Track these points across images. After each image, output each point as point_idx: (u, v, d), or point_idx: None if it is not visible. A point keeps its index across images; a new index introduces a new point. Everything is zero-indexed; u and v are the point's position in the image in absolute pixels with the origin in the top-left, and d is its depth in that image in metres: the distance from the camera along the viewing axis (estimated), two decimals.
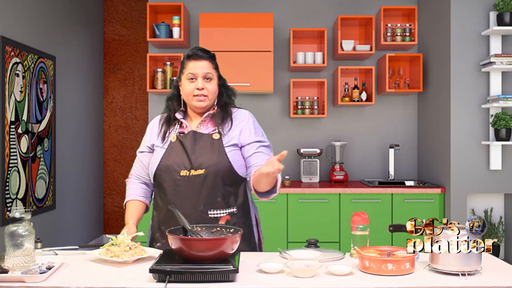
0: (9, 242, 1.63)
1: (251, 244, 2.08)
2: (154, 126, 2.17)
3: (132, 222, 2.04)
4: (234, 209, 2.04)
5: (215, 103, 2.10)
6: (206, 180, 1.98)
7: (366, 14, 4.73)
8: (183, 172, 1.99)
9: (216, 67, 2.09)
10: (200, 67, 2.03)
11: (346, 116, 4.78)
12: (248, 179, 2.06)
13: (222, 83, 2.13)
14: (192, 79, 2.03)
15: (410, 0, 4.73)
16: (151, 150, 2.13)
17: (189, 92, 2.04)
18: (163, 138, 2.09)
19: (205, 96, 2.03)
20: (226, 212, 2.02)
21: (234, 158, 2.02)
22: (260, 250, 2.14)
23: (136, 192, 2.16)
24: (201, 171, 1.98)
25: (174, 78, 4.51)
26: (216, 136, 2.03)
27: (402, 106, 4.77)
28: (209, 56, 2.07)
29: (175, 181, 1.99)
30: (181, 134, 2.06)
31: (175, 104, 2.13)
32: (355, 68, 4.56)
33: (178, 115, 2.10)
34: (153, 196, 2.18)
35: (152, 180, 2.11)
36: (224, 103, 2.11)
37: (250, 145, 2.06)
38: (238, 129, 2.07)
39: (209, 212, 1.99)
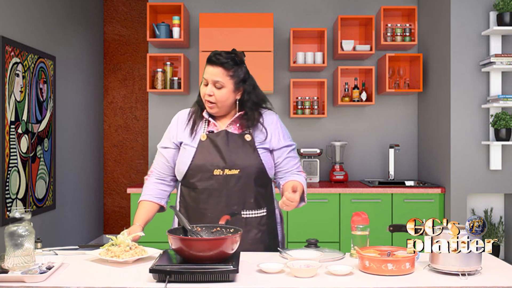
0: (9, 242, 1.63)
1: (276, 242, 2.11)
2: (179, 121, 2.12)
3: (138, 224, 2.02)
4: (264, 210, 2.07)
5: (237, 109, 2.07)
6: (240, 180, 1.98)
7: (366, 14, 4.73)
8: (217, 172, 1.98)
9: (233, 74, 2.00)
10: (211, 73, 1.99)
11: (346, 116, 4.78)
12: (278, 183, 2.15)
13: (245, 90, 2.05)
14: (206, 83, 2.02)
15: (410, 0, 4.73)
16: (177, 147, 2.10)
17: (202, 96, 2.04)
18: (191, 135, 2.06)
19: (212, 103, 2.01)
20: (257, 213, 2.05)
21: (266, 160, 2.05)
22: (283, 248, 2.16)
23: (151, 192, 2.11)
24: (235, 171, 1.98)
25: (175, 78, 4.52)
26: (248, 138, 2.03)
27: (402, 106, 4.77)
28: (225, 62, 1.98)
29: (208, 180, 1.99)
30: (211, 133, 2.04)
31: (202, 104, 2.09)
32: (355, 68, 4.56)
33: (206, 114, 2.07)
34: (179, 194, 2.13)
35: (179, 177, 2.08)
36: (249, 110, 2.07)
37: (280, 150, 2.09)
38: (268, 133, 2.07)
39: (242, 213, 2.01)
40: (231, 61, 1.99)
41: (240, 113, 2.06)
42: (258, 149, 2.03)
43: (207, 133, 2.05)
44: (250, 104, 2.07)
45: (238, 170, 1.98)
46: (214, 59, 1.99)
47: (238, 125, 2.07)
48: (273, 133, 2.09)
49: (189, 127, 2.08)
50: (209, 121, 2.08)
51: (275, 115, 2.15)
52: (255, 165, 2.00)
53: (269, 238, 2.07)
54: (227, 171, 1.98)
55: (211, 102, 2.01)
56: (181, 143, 2.08)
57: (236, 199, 1.99)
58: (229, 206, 1.99)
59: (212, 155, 1.99)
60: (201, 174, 1.99)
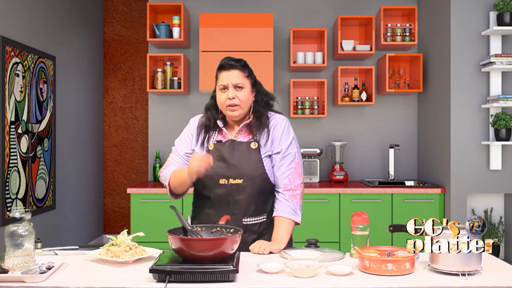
0: (9, 242, 1.63)
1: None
2: (196, 127, 2.17)
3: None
4: (264, 216, 2.11)
5: (250, 112, 2.12)
6: (244, 189, 2.04)
7: (366, 14, 4.73)
8: (222, 181, 2.04)
9: (248, 75, 2.09)
10: (229, 77, 2.04)
11: (346, 116, 4.78)
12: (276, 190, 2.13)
13: (257, 90, 2.14)
14: (224, 89, 2.05)
15: (410, 0, 4.73)
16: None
17: (222, 102, 2.06)
18: (202, 145, 2.12)
19: (236, 105, 2.04)
20: (258, 219, 2.09)
21: (269, 168, 2.09)
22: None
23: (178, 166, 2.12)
24: (239, 181, 2.03)
25: (175, 78, 4.52)
26: (254, 146, 2.07)
27: (402, 106, 4.77)
28: (240, 65, 2.07)
29: (215, 188, 2.05)
30: (219, 142, 2.09)
31: (214, 113, 2.14)
32: (355, 68, 4.56)
33: (220, 123, 2.12)
34: (193, 199, 2.21)
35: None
36: (259, 113, 2.12)
37: (275, 155, 2.10)
38: (270, 136, 2.10)
39: (243, 220, 2.06)
40: (243, 63, 2.09)
41: (245, 122, 2.10)
42: (263, 158, 2.07)
43: (215, 142, 2.10)
44: (263, 104, 2.13)
45: (242, 180, 2.03)
46: (229, 63, 2.05)
47: (246, 133, 2.11)
48: (275, 137, 2.11)
49: (201, 136, 2.13)
50: (220, 130, 2.12)
51: (282, 119, 2.15)
52: (258, 174, 2.05)
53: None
54: (231, 180, 2.04)
55: (235, 105, 2.04)
56: (193, 150, 2.14)
57: (239, 207, 2.04)
58: (232, 215, 2.03)
59: (218, 164, 2.04)
60: (208, 183, 2.06)
